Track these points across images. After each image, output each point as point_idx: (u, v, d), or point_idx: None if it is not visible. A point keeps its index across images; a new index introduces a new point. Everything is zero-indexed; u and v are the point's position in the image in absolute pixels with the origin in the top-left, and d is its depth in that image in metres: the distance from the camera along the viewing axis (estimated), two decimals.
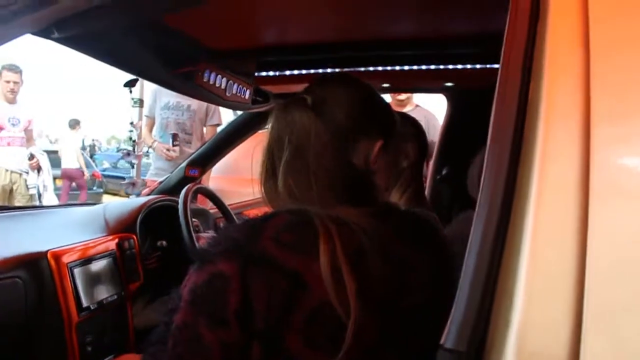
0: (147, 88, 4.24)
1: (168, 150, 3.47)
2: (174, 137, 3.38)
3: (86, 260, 1.60)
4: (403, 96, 3.29)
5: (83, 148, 10.49)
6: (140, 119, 3.75)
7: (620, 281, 0.53)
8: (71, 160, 8.56)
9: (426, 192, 2.31)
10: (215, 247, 0.80)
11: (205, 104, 3.56)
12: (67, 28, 0.98)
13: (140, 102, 3.44)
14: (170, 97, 3.54)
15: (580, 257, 0.54)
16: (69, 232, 1.75)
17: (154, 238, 2.07)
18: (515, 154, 0.60)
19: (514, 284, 0.56)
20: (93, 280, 1.61)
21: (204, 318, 0.76)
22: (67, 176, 8.59)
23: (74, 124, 8.88)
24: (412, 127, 1.59)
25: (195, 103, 3.56)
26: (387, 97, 3.41)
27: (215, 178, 3.58)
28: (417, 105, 3.38)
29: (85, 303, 1.53)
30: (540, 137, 0.59)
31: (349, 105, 0.89)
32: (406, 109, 3.21)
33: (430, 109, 3.41)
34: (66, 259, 1.51)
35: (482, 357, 0.56)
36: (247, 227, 0.80)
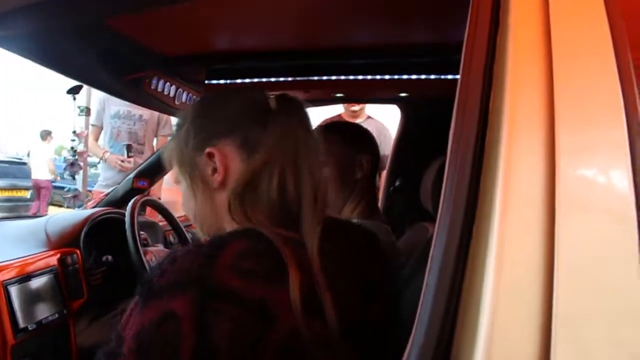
0: (95, 95, 4.10)
1: (122, 161, 3.35)
2: (129, 148, 3.23)
3: (24, 278, 1.50)
4: (356, 107, 3.29)
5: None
6: (86, 127, 3.61)
7: (587, 292, 0.52)
8: (42, 171, 8.58)
9: (379, 204, 2.31)
10: (162, 278, 0.68)
11: (157, 113, 3.47)
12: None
13: (87, 111, 3.31)
14: (120, 105, 3.43)
15: (547, 270, 0.52)
16: (5, 247, 1.64)
17: (100, 252, 1.97)
18: (477, 166, 0.58)
19: (479, 300, 0.53)
20: (32, 298, 1.51)
21: None
22: (38, 187, 8.63)
23: (45, 135, 8.86)
24: (364, 138, 1.59)
25: (146, 112, 3.47)
26: (340, 108, 3.41)
27: (167, 189, 3.50)
28: (369, 117, 3.39)
29: (22, 324, 1.43)
30: (504, 149, 0.57)
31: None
32: (359, 120, 3.21)
33: (382, 120, 3.43)
34: (1, 276, 1.41)
35: None
36: (198, 255, 0.70)
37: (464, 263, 0.56)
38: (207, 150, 0.85)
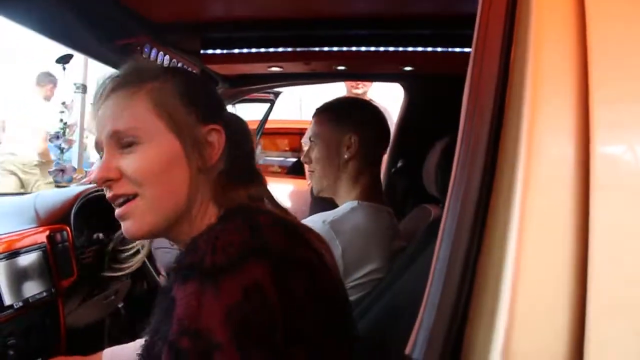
0: (92, 73, 4.04)
1: None
2: None
3: (11, 254, 1.45)
4: (360, 90, 3.23)
5: None
6: (82, 105, 3.55)
7: (628, 277, 0.45)
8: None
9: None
10: (216, 256, 0.65)
11: None
12: None
13: (83, 88, 3.23)
14: None
15: (579, 253, 0.46)
16: None
17: (92, 231, 1.92)
18: (493, 143, 0.52)
19: (497, 285, 0.47)
20: (18, 276, 1.46)
21: (258, 351, 0.62)
22: None
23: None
24: (356, 117, 1.53)
25: None
26: (344, 91, 3.35)
27: None
28: (371, 100, 3.32)
29: (7, 301, 1.38)
30: (525, 125, 0.50)
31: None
32: None
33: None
34: None
35: None
36: (243, 228, 0.70)
37: (480, 240, 0.50)
38: (213, 125, 0.83)
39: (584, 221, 0.46)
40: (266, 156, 4.60)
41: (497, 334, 0.45)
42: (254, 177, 0.89)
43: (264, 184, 0.90)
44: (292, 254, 0.72)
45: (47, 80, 4.44)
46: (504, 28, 0.55)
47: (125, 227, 0.81)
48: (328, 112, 1.53)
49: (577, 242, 0.46)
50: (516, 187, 0.48)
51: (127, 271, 1.18)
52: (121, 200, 0.80)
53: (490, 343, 0.45)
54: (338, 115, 1.52)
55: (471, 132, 0.52)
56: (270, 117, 3.18)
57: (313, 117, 1.55)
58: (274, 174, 4.32)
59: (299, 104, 4.88)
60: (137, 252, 1.04)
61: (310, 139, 1.52)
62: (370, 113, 1.58)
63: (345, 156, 1.48)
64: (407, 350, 0.48)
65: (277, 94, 2.94)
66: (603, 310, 0.45)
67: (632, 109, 0.50)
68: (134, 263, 1.07)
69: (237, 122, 0.93)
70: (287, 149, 4.64)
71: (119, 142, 0.79)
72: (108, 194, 0.81)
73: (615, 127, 0.50)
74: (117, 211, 0.81)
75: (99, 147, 0.84)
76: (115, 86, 0.82)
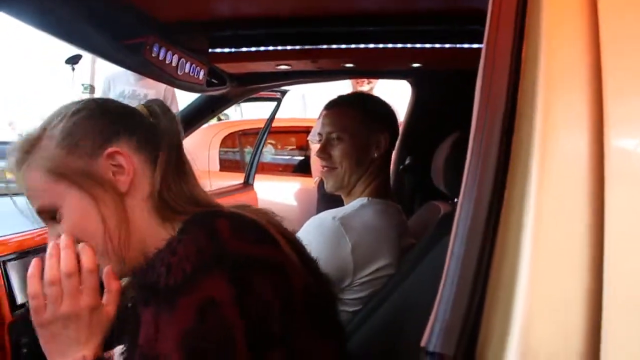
0: (100, 74, 4.07)
1: None
2: None
3: (22, 254, 1.46)
4: (366, 87, 3.23)
5: None
6: None
7: None
8: None
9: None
10: (172, 274, 0.63)
11: (162, 92, 3.44)
12: None
13: (91, 89, 3.27)
14: (125, 85, 3.43)
15: (596, 247, 0.46)
16: (3, 222, 1.60)
17: None
18: (506, 138, 0.52)
19: (513, 280, 0.47)
20: None
21: None
22: None
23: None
24: (387, 116, 1.53)
25: (151, 92, 3.44)
26: (349, 88, 3.34)
27: None
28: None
29: (20, 300, 1.39)
30: (539, 121, 0.50)
31: None
32: None
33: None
34: None
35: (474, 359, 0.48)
36: (201, 236, 0.68)
37: (494, 234, 0.50)
38: (108, 150, 0.79)
39: (599, 216, 0.46)
40: (272, 154, 4.60)
41: (513, 330, 0.45)
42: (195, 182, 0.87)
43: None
44: (255, 256, 0.69)
45: None
46: (515, 23, 0.55)
47: None
48: (358, 107, 1.50)
49: (592, 238, 0.46)
50: (530, 182, 0.48)
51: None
52: None
53: (506, 339, 0.45)
54: (371, 113, 1.50)
55: (484, 128, 0.52)
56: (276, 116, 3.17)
57: (333, 110, 1.51)
58: (280, 172, 4.31)
59: (302, 101, 4.86)
60: None
61: (331, 134, 1.47)
62: (394, 113, 1.58)
63: (375, 154, 1.47)
64: (423, 343, 0.48)
65: (283, 93, 2.94)
66: (619, 306, 0.44)
67: None
68: None
69: (150, 126, 0.87)
70: (293, 147, 4.63)
71: (46, 216, 0.80)
72: None
73: (630, 121, 0.49)
74: None
75: None
76: (13, 164, 0.81)
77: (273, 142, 4.68)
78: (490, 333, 0.47)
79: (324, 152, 1.48)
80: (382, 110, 1.56)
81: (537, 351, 0.45)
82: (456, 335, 0.46)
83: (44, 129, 0.80)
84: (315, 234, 1.35)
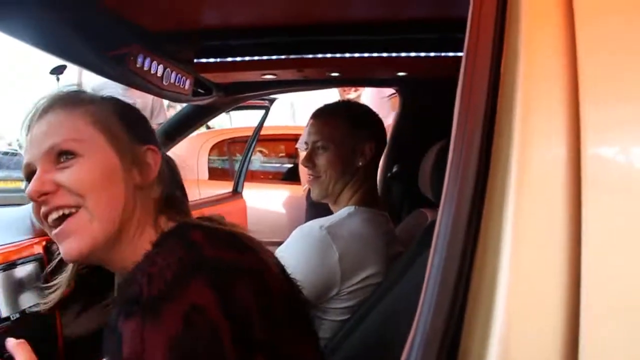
0: (88, 84, 4.04)
1: None
2: None
3: (7, 266, 1.45)
4: (352, 95, 3.23)
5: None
6: None
7: (623, 281, 0.45)
8: None
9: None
10: (154, 284, 0.63)
11: (149, 102, 3.42)
12: None
13: None
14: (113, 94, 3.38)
15: (573, 254, 0.46)
16: None
17: None
18: (486, 145, 0.52)
19: (492, 290, 0.47)
20: (15, 287, 1.46)
21: None
22: None
23: None
24: (372, 125, 1.54)
25: (139, 101, 3.41)
26: (336, 96, 3.35)
27: None
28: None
29: (4, 313, 1.38)
30: (517, 127, 0.51)
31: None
32: None
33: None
34: None
35: None
36: (178, 246, 0.69)
37: (475, 242, 0.50)
38: (150, 145, 0.86)
39: (577, 222, 0.47)
40: (261, 162, 4.60)
41: (492, 338, 0.45)
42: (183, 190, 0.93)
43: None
44: (233, 262, 0.69)
45: None
46: (494, 31, 0.55)
47: (66, 246, 0.78)
48: (344, 116, 1.50)
49: (570, 244, 0.47)
50: (509, 189, 0.49)
51: (45, 307, 1.18)
52: (59, 214, 0.77)
53: (486, 347, 0.45)
54: (357, 121, 1.51)
55: (464, 135, 0.52)
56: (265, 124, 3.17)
57: (319, 119, 1.52)
58: (270, 180, 4.31)
59: (291, 109, 4.87)
60: (57, 289, 1.09)
61: (316, 143, 1.49)
62: (381, 121, 1.58)
63: (360, 163, 1.47)
64: (404, 355, 0.47)
65: (272, 101, 2.93)
66: (596, 313, 0.45)
67: (622, 110, 0.50)
68: (50, 301, 1.12)
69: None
70: (282, 155, 4.63)
71: (56, 156, 0.78)
72: (43, 209, 0.77)
73: (606, 128, 0.50)
74: (57, 230, 0.77)
75: (29, 169, 0.81)
76: (52, 103, 0.81)
77: (262, 150, 4.67)
78: (471, 344, 0.47)
79: (309, 161, 1.50)
80: (367, 118, 1.57)
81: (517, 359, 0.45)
82: (436, 347, 0.46)
83: (103, 97, 0.87)
84: (302, 244, 1.35)
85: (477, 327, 0.47)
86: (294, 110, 4.80)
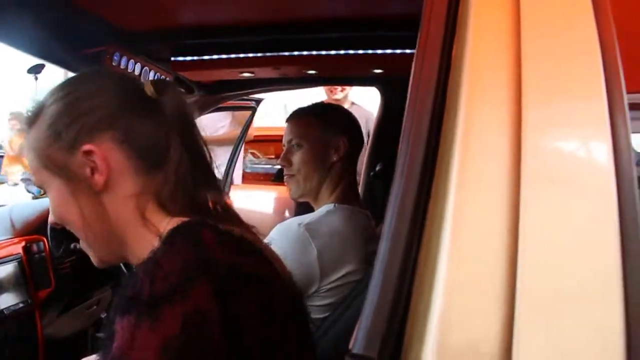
0: None
1: None
2: None
3: None
4: (340, 95, 3.25)
5: None
6: None
7: (556, 271, 0.46)
8: None
9: (360, 189, 2.26)
10: (155, 285, 0.61)
11: None
12: None
13: None
14: None
15: (511, 246, 0.47)
16: None
17: (70, 241, 1.91)
18: (432, 141, 0.54)
19: (433, 278, 0.48)
20: None
21: None
22: None
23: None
24: (342, 120, 1.55)
25: None
26: (324, 96, 3.36)
27: None
28: (353, 103, 3.34)
29: None
30: (461, 123, 0.52)
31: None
32: None
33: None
34: None
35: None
36: (187, 245, 0.67)
37: (420, 235, 0.51)
38: (84, 147, 0.74)
39: (516, 211, 0.47)
40: (252, 163, 4.60)
41: (430, 329, 0.46)
42: (207, 182, 0.82)
43: (217, 189, 0.84)
44: (240, 270, 0.68)
45: None
46: (445, 28, 0.57)
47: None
48: (314, 115, 1.53)
49: (508, 236, 0.47)
50: (451, 182, 0.50)
51: None
52: None
53: (425, 338, 0.46)
54: (327, 118, 1.52)
55: (411, 130, 0.53)
56: (256, 125, 3.19)
57: (292, 119, 1.54)
58: (260, 181, 4.31)
59: (284, 111, 4.89)
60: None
61: (291, 142, 1.51)
62: (352, 117, 1.60)
63: (334, 158, 1.48)
64: (350, 346, 0.48)
65: (258, 101, 2.94)
66: (531, 297, 0.45)
67: (560, 108, 0.52)
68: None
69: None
70: (272, 156, 4.64)
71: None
72: None
73: (544, 125, 0.51)
74: None
75: None
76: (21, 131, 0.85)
77: (254, 151, 4.68)
78: (413, 336, 0.47)
79: (285, 160, 1.52)
80: (338, 115, 1.59)
81: (453, 349, 0.45)
82: (379, 337, 0.47)
83: (42, 106, 0.77)
84: (281, 241, 1.35)
85: (418, 320, 0.48)
86: (287, 112, 4.80)
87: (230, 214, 0.84)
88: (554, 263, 0.47)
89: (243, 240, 0.75)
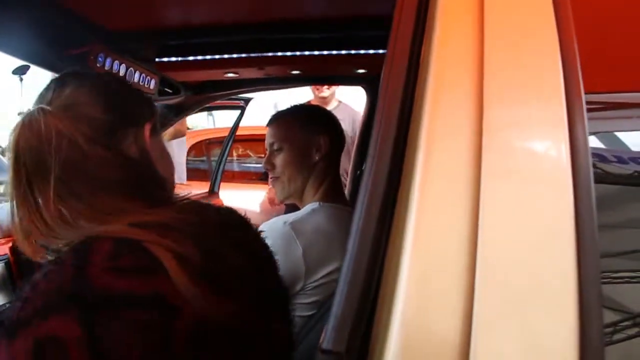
0: None
1: None
2: None
3: None
4: (325, 93, 3.26)
5: None
6: None
7: (516, 268, 0.48)
8: None
9: (347, 188, 2.27)
10: (23, 308, 0.59)
11: None
12: None
13: None
14: None
15: (471, 242, 0.48)
16: None
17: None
18: (400, 140, 0.55)
19: (397, 275, 0.49)
20: None
21: None
22: None
23: None
24: (322, 119, 1.56)
25: None
26: (310, 95, 3.37)
27: None
28: (340, 102, 3.35)
29: None
30: (426, 122, 0.53)
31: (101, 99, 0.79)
32: (329, 107, 3.17)
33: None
34: None
35: (367, 355, 0.49)
36: (66, 268, 0.62)
37: (388, 229, 0.52)
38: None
39: (476, 207, 0.49)
40: (241, 163, 4.60)
41: (394, 324, 0.47)
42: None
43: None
44: (125, 293, 0.61)
45: None
46: (414, 28, 0.58)
47: None
48: (293, 117, 1.54)
49: (469, 232, 0.49)
50: (416, 178, 0.51)
51: None
52: None
53: (389, 333, 0.47)
54: (306, 118, 1.54)
55: (380, 128, 0.55)
56: (246, 124, 3.19)
57: (272, 123, 1.55)
58: (249, 181, 4.31)
59: (274, 109, 4.88)
60: None
61: (272, 145, 1.52)
62: (332, 116, 1.61)
63: (316, 158, 1.50)
64: (320, 341, 0.49)
65: (247, 101, 2.94)
66: (488, 300, 0.47)
67: (520, 108, 0.54)
68: None
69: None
70: (261, 155, 4.64)
71: None
72: None
73: (504, 124, 0.53)
74: None
75: None
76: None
77: (247, 151, 4.68)
78: (380, 329, 0.49)
79: (268, 163, 1.53)
80: (318, 114, 1.61)
81: (414, 344, 0.47)
82: (346, 332, 0.48)
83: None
84: (266, 239, 1.36)
85: (384, 313, 0.49)
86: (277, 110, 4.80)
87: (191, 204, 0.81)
88: (512, 258, 0.48)
89: (146, 253, 0.65)
